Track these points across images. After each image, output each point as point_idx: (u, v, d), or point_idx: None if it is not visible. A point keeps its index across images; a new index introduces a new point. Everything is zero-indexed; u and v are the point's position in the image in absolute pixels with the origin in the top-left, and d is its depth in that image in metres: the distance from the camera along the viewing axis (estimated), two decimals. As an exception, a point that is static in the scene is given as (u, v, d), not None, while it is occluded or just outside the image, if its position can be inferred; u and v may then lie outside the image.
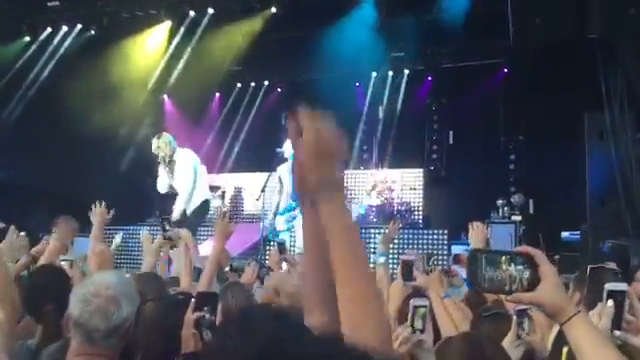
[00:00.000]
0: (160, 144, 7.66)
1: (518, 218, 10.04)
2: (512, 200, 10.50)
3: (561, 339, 2.46)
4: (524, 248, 1.43)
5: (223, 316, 2.49)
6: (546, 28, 10.17)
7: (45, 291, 2.60)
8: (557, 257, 7.42)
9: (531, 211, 10.36)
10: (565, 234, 9.00)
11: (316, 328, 1.19)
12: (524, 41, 11.06)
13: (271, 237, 8.32)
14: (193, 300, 2.39)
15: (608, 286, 1.89)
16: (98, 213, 4.05)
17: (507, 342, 2.29)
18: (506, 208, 10.42)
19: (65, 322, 2.06)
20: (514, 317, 2.32)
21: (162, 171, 7.76)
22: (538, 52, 10.88)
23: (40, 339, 2.48)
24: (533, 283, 1.38)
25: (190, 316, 2.33)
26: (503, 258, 1.39)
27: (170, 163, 7.64)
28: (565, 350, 2.50)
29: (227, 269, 4.46)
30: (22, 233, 2.86)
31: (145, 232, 4.90)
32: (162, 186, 7.84)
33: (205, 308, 2.36)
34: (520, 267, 1.39)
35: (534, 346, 2.35)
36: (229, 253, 6.07)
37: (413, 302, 2.16)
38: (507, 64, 11.98)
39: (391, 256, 9.23)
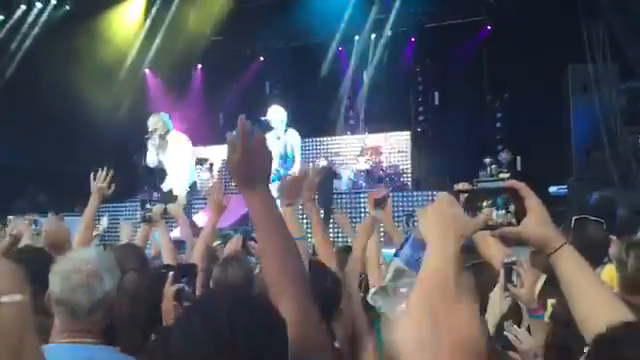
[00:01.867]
0: (157, 122, 7.96)
1: (506, 175, 10.08)
2: (499, 158, 10.53)
3: (546, 292, 2.49)
4: (509, 182, 1.43)
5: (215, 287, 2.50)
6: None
7: (30, 273, 2.57)
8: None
9: (519, 168, 10.40)
10: (553, 189, 9.04)
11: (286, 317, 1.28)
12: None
13: None
14: (171, 273, 2.39)
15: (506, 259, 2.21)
16: (98, 189, 3.73)
17: (495, 294, 2.30)
18: (494, 166, 10.45)
19: (47, 301, 2.03)
20: (501, 270, 2.34)
21: (151, 147, 7.81)
22: (520, 7, 10.79)
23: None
24: (519, 217, 1.38)
25: (169, 288, 2.33)
26: (487, 195, 1.40)
27: (161, 140, 7.65)
28: (550, 302, 2.53)
29: (216, 244, 4.44)
30: None
31: (124, 224, 4.87)
32: (151, 160, 7.90)
33: (183, 280, 2.36)
34: (504, 202, 1.39)
35: (522, 298, 2.36)
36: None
37: (505, 260, 2.25)
38: (490, 21, 11.87)
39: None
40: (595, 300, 1.33)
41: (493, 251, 2.37)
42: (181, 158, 8.06)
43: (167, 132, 7.97)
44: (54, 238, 3.08)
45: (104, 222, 5.64)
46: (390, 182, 10.94)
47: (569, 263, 1.37)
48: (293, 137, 8.28)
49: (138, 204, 11.62)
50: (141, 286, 2.39)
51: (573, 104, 8.61)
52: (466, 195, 1.41)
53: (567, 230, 2.82)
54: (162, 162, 8.03)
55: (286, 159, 8.17)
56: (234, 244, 3.67)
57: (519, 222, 1.38)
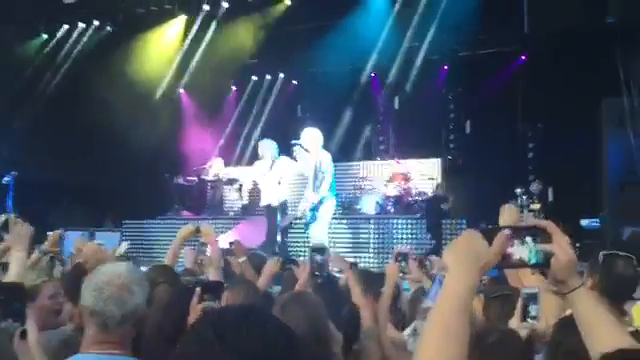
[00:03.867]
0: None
1: (537, 206, 9.95)
2: (531, 188, 10.40)
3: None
4: (537, 221, 1.46)
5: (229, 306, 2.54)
6: (562, 13, 10.07)
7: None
8: (578, 245, 7.35)
9: (550, 199, 10.26)
10: (584, 222, 8.90)
11: None
12: (541, 28, 10.97)
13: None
14: (198, 288, 2.45)
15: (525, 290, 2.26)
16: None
17: (512, 324, 2.30)
18: (525, 196, 10.31)
19: (78, 313, 2.10)
20: (520, 300, 2.33)
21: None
22: (555, 38, 10.76)
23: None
24: (547, 256, 1.41)
25: (195, 303, 2.39)
26: (519, 233, 1.43)
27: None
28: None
29: (241, 260, 4.49)
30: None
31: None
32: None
33: (206, 296, 2.43)
34: (534, 240, 1.41)
35: (537, 332, 2.35)
36: (243, 245, 6.11)
37: (524, 291, 2.28)
38: (524, 51, 11.83)
39: (413, 246, 9.29)
40: (607, 339, 1.37)
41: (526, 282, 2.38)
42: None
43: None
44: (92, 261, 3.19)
45: (123, 248, 5.70)
46: (419, 209, 10.89)
47: (584, 304, 1.42)
48: (323, 158, 8.31)
49: (167, 221, 11.82)
50: (170, 299, 2.44)
51: (607, 137, 8.51)
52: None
53: (595, 265, 2.78)
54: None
55: (317, 180, 8.20)
56: (273, 266, 3.74)
57: (546, 259, 1.41)
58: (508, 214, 3.12)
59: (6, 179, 10.35)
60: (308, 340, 2.22)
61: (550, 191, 10.31)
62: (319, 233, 7.96)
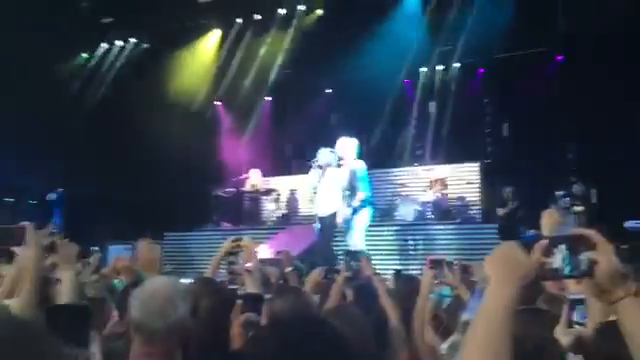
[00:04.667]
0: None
1: (580, 209, 9.73)
2: (573, 190, 10.18)
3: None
4: (580, 230, 1.43)
5: (269, 320, 2.57)
6: (601, 12, 9.88)
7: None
8: (622, 247, 7.15)
9: (593, 201, 10.02)
10: (629, 223, 8.66)
11: None
12: (577, 27, 10.77)
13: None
14: (240, 301, 2.49)
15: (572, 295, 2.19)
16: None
17: (558, 330, 2.25)
18: (567, 199, 10.10)
19: (127, 324, 2.16)
20: (564, 306, 2.28)
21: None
22: (593, 37, 10.54)
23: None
24: (590, 265, 1.38)
25: (237, 316, 2.42)
26: (558, 243, 1.40)
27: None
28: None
29: (289, 269, 4.54)
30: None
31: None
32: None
33: (248, 309, 2.46)
34: (570, 249, 1.39)
35: (584, 339, 2.29)
36: (290, 254, 6.16)
37: (570, 297, 2.25)
38: (561, 52, 11.63)
39: (452, 252, 9.19)
40: None
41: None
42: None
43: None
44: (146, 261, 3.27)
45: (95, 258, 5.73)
46: (457, 214, 10.78)
47: (631, 315, 1.38)
48: (357, 167, 8.29)
49: (207, 233, 11.97)
50: (213, 311, 2.48)
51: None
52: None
53: (640, 269, 2.71)
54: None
55: (352, 190, 8.19)
56: (317, 275, 3.76)
57: (590, 268, 1.38)
58: (549, 218, 3.08)
59: (51, 196, 10.64)
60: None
61: (593, 193, 10.07)
62: (356, 242, 7.95)
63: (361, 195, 8.07)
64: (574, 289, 2.35)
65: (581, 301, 2.26)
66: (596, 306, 2.18)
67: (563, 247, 1.39)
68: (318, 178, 8.25)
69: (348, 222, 8.11)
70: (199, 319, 2.30)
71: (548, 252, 1.40)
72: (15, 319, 1.19)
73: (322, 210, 8.27)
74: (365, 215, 8.18)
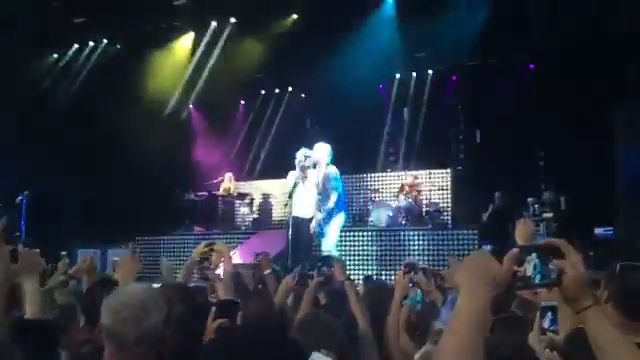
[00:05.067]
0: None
1: (549, 215, 9.89)
2: (542, 197, 10.36)
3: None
4: (550, 240, 1.46)
5: (242, 324, 2.55)
6: (571, 23, 10.08)
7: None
8: (591, 254, 7.29)
9: (563, 207, 10.20)
10: (598, 230, 8.84)
11: None
12: (550, 37, 10.97)
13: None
14: (213, 308, 2.47)
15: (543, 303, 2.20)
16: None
17: (531, 337, 2.28)
18: (537, 206, 10.27)
19: (98, 332, 2.12)
20: (537, 313, 2.31)
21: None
22: (564, 47, 10.75)
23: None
24: (559, 274, 1.41)
25: (211, 323, 2.40)
26: (530, 253, 1.42)
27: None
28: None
29: (267, 272, 4.53)
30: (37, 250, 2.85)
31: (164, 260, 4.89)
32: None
33: (222, 315, 2.45)
34: (540, 258, 1.41)
35: (555, 344, 2.32)
36: (269, 257, 6.12)
37: (543, 304, 2.27)
38: (532, 61, 11.83)
39: (425, 257, 9.25)
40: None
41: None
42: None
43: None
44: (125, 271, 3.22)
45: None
46: (429, 220, 10.86)
47: (596, 324, 1.42)
48: (329, 172, 8.29)
49: (179, 237, 11.85)
50: (186, 319, 2.45)
51: (619, 144, 8.45)
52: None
53: (612, 276, 2.75)
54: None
55: (324, 195, 8.18)
56: (290, 280, 3.77)
57: (558, 277, 1.41)
58: (523, 229, 3.12)
59: (19, 198, 10.42)
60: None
61: (562, 200, 10.25)
62: (329, 247, 7.96)
63: (334, 200, 8.08)
64: (546, 296, 2.38)
65: (552, 308, 2.29)
66: (567, 313, 2.21)
67: (534, 256, 1.41)
68: (300, 179, 8.19)
69: (321, 227, 8.11)
70: (171, 326, 2.27)
71: (520, 261, 1.41)
72: None
73: (303, 212, 8.24)
74: (338, 221, 8.19)
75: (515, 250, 1.42)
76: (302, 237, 8.10)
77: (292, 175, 8.47)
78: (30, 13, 12.06)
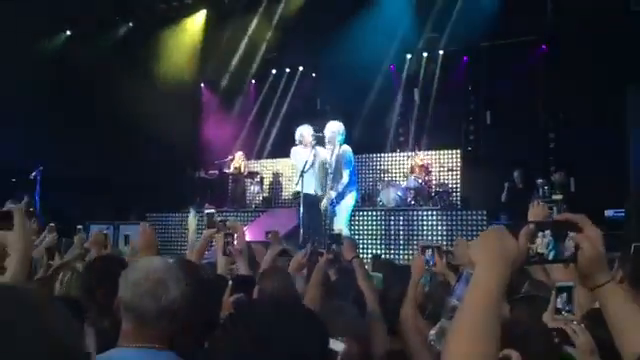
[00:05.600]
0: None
1: (559, 197, 9.83)
2: (552, 179, 10.32)
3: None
4: (566, 215, 1.44)
5: (259, 299, 2.60)
6: (585, 2, 9.95)
7: (100, 277, 2.70)
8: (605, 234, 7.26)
9: (572, 189, 10.18)
10: (609, 212, 8.81)
11: None
12: (563, 16, 10.84)
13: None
14: (230, 283, 2.51)
15: (559, 283, 2.13)
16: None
17: (545, 317, 2.30)
18: (546, 187, 10.24)
19: (116, 305, 2.15)
20: (553, 292, 2.32)
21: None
22: (578, 26, 10.63)
23: (94, 318, 2.60)
24: (576, 249, 1.39)
25: (227, 298, 2.44)
26: (543, 229, 1.40)
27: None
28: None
29: (278, 249, 4.59)
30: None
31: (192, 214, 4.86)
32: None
33: (238, 290, 2.48)
34: (554, 234, 1.39)
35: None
36: (279, 234, 6.20)
37: (558, 284, 2.24)
38: (545, 41, 11.71)
39: (434, 237, 9.28)
40: (638, 339, 1.36)
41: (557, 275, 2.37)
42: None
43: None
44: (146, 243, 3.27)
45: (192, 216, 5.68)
46: (439, 200, 10.88)
47: (613, 301, 1.40)
48: (343, 151, 8.30)
49: (191, 214, 11.93)
50: (198, 295, 2.50)
51: (631, 126, 8.39)
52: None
53: (626, 257, 2.76)
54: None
55: (337, 174, 8.21)
56: (300, 257, 3.80)
57: (574, 253, 1.39)
58: (537, 211, 3.12)
59: (33, 174, 10.53)
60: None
61: (572, 182, 10.22)
62: (340, 226, 8.00)
63: (346, 178, 8.10)
64: (559, 277, 2.39)
65: (567, 289, 2.30)
66: (583, 293, 2.22)
67: (548, 232, 1.39)
68: (312, 156, 8.23)
69: (333, 206, 8.15)
70: (187, 301, 2.31)
71: (533, 238, 1.39)
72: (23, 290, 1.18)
73: (313, 189, 8.27)
74: (350, 200, 8.22)
75: (531, 225, 1.39)
76: (313, 215, 8.15)
77: (297, 152, 8.51)
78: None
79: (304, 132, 8.42)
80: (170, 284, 2.08)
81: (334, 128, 8.25)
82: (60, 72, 12.92)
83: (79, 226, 5.18)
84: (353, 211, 8.88)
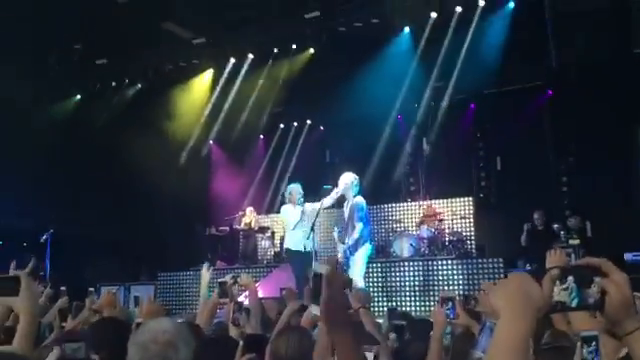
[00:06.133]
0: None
1: (576, 242, 9.70)
2: (568, 224, 10.17)
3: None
4: (588, 260, 1.37)
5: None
6: (588, 46, 10.06)
7: (102, 340, 2.63)
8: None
9: (589, 234, 10.02)
10: (628, 256, 8.63)
11: None
12: (567, 61, 10.94)
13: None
14: (241, 343, 2.43)
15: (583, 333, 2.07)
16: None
17: None
18: (563, 232, 10.08)
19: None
20: (578, 343, 2.22)
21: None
22: (582, 70, 10.71)
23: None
24: (600, 296, 1.32)
25: (239, 358, 2.36)
26: (566, 275, 1.34)
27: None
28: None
29: (295, 306, 4.47)
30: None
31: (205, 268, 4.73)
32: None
33: (250, 350, 2.40)
34: (577, 281, 1.33)
35: None
36: (294, 290, 6.09)
37: (583, 334, 2.13)
38: (551, 85, 11.78)
39: (451, 287, 9.09)
40: None
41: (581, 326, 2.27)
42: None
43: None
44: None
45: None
46: (453, 249, 10.72)
47: None
48: (356, 202, 8.26)
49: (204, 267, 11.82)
50: (212, 355, 2.41)
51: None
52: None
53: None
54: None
55: (350, 226, 8.14)
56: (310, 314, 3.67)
57: (600, 299, 1.32)
58: (556, 258, 3.03)
59: (44, 237, 10.53)
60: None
61: (588, 226, 10.06)
62: (356, 278, 7.84)
63: (358, 230, 8.01)
64: (581, 326, 2.29)
65: (592, 338, 2.20)
66: (609, 343, 2.12)
67: (570, 279, 1.33)
68: (299, 214, 8.30)
69: (347, 258, 8.03)
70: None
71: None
72: None
73: (301, 246, 8.21)
74: (364, 250, 8.11)
75: (555, 271, 1.34)
76: (304, 269, 8.10)
77: (286, 210, 8.61)
78: (52, 55, 12.40)
79: (292, 191, 8.51)
80: (180, 345, 2.02)
81: (347, 180, 8.22)
82: (71, 135, 13.12)
83: (91, 289, 5.10)
84: (368, 263, 8.73)
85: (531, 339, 1.26)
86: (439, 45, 11.61)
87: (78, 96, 13.96)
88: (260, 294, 9.76)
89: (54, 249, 10.88)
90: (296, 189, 8.54)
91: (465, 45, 11.49)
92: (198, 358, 2.37)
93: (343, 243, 8.12)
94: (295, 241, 8.26)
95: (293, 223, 8.36)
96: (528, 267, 9.23)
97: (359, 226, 8.02)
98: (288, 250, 8.54)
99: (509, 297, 1.26)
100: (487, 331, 3.04)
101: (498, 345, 1.22)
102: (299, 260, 8.06)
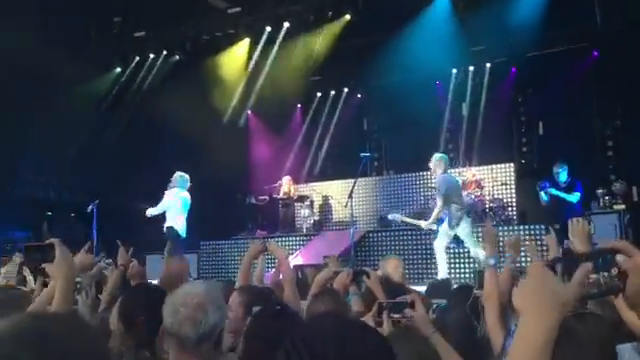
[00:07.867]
0: None
1: (621, 207, 9.45)
2: (613, 188, 9.90)
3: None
4: (611, 244, 1.35)
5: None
6: (636, 4, 9.63)
7: (139, 305, 2.69)
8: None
9: (635, 198, 9.73)
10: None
11: None
12: (613, 20, 10.50)
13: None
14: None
15: None
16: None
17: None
18: (607, 197, 9.82)
19: (161, 332, 2.14)
20: None
21: None
22: (630, 30, 10.26)
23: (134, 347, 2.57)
24: (622, 279, 1.30)
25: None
26: (587, 259, 1.32)
27: None
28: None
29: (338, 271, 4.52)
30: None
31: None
32: None
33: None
34: (607, 263, 1.31)
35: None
36: (337, 258, 6.13)
37: None
38: (596, 47, 11.34)
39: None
40: None
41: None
42: None
43: None
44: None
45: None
46: (494, 216, 10.58)
47: None
48: (437, 181, 8.55)
49: (242, 241, 12.02)
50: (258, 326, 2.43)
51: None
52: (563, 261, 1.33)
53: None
54: None
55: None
56: (345, 277, 3.66)
57: (623, 283, 1.29)
58: (579, 229, 2.94)
59: (90, 207, 10.81)
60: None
61: (635, 191, 9.77)
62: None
63: (437, 205, 8.19)
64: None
65: None
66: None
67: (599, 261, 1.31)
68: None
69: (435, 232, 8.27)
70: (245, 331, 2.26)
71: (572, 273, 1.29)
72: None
73: None
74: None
75: (588, 265, 1.28)
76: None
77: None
78: (92, 29, 12.59)
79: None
80: (209, 308, 2.06)
81: (433, 159, 8.50)
82: (112, 108, 13.36)
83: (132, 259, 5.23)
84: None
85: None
86: (479, 7, 11.26)
87: (118, 69, 14.16)
88: (300, 261, 9.93)
89: (100, 220, 11.18)
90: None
91: (505, 7, 11.12)
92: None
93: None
94: None
95: None
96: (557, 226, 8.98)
97: (439, 200, 8.19)
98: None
99: (531, 296, 1.22)
100: (512, 335, 2.94)
101: (516, 347, 1.19)
102: None
